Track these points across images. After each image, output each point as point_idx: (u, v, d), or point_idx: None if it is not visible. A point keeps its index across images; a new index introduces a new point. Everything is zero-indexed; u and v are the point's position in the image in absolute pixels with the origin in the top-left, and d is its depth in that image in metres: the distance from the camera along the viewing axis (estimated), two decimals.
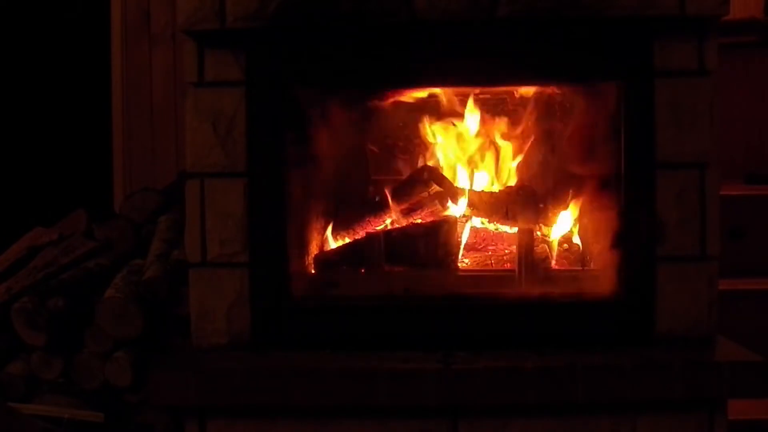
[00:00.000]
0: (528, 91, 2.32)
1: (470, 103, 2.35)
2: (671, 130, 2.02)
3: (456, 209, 2.33)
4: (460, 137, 2.40)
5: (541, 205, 2.29)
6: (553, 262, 2.25)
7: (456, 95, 2.34)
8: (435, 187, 2.35)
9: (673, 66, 2.02)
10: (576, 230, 2.29)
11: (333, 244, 2.33)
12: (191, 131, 2.07)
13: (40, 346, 2.33)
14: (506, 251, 2.31)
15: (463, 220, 2.32)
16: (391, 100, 2.38)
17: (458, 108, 2.36)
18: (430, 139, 2.42)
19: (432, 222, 2.30)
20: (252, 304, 2.06)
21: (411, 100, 2.38)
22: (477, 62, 2.06)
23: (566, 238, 2.29)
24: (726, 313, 2.08)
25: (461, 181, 2.39)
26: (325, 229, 2.33)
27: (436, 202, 2.36)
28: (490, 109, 2.40)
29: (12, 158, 3.58)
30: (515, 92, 2.35)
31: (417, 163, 2.44)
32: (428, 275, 2.19)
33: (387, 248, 2.21)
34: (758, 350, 1.95)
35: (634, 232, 2.03)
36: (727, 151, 2.70)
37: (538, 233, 2.28)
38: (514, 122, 2.38)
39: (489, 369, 1.89)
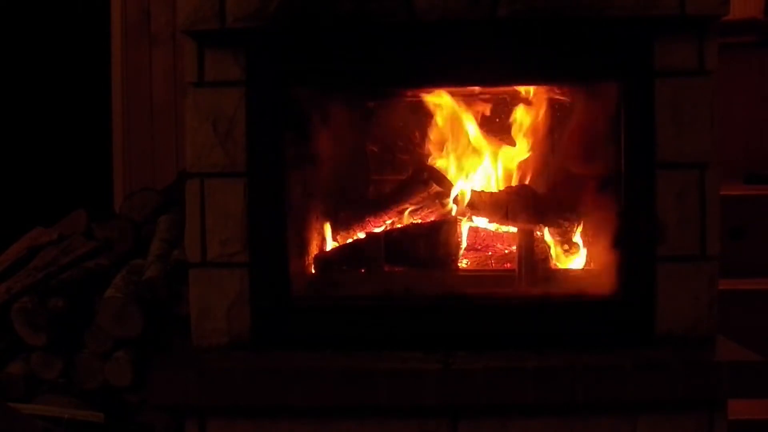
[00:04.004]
0: (528, 91, 2.32)
1: (470, 103, 2.35)
2: (671, 130, 2.02)
3: (456, 209, 2.33)
4: (460, 137, 2.40)
5: (541, 205, 2.29)
6: (553, 262, 2.25)
7: (456, 95, 2.34)
8: (435, 187, 2.35)
9: (673, 66, 2.02)
10: (576, 230, 2.29)
11: (333, 244, 2.33)
12: (191, 131, 2.07)
13: (40, 346, 2.34)
14: (506, 251, 2.31)
15: (464, 220, 2.32)
16: (391, 100, 2.38)
17: (458, 108, 2.36)
18: (431, 138, 2.42)
19: (432, 222, 2.30)
20: (252, 304, 2.06)
21: (411, 100, 2.38)
22: (477, 62, 2.06)
23: (566, 238, 2.29)
24: (726, 313, 2.08)
25: (461, 181, 2.39)
26: (325, 229, 2.33)
27: (436, 202, 2.36)
28: (490, 109, 2.40)
29: (12, 158, 3.58)
30: (515, 92, 2.35)
31: (417, 162, 2.44)
32: (428, 275, 2.19)
33: (387, 248, 2.21)
34: (758, 350, 1.95)
35: (634, 232, 2.03)
36: (727, 151, 2.70)
37: (538, 233, 2.28)
38: (514, 122, 2.38)
39: (489, 369, 1.89)
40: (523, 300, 2.10)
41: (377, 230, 2.33)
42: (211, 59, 2.06)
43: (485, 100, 2.38)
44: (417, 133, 2.43)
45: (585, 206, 2.22)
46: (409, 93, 2.34)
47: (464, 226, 2.32)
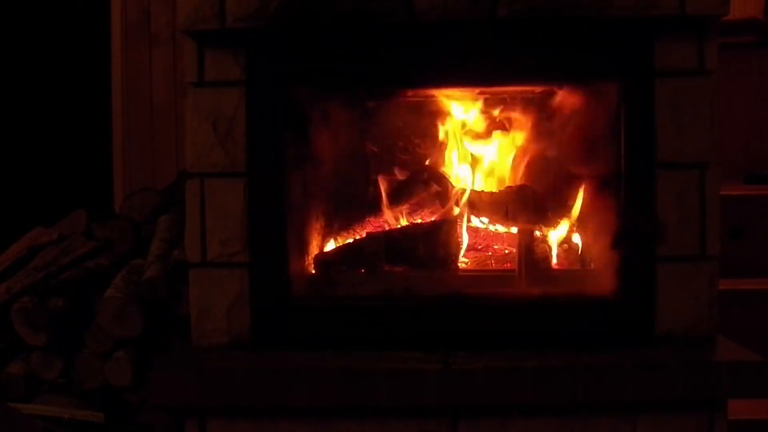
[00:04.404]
0: (529, 91, 2.32)
1: (470, 103, 2.35)
2: (671, 130, 2.02)
3: (456, 209, 2.33)
4: (460, 137, 2.40)
5: (541, 205, 2.29)
6: (553, 262, 2.25)
7: (456, 95, 2.34)
8: (435, 187, 2.35)
9: (673, 66, 2.02)
10: (576, 230, 2.29)
11: (333, 244, 2.33)
12: (191, 131, 2.07)
13: (40, 346, 2.34)
14: (506, 251, 2.30)
15: (464, 220, 2.32)
16: (391, 100, 2.38)
17: (458, 108, 2.37)
18: (430, 138, 2.42)
19: (432, 222, 2.30)
20: (252, 304, 2.06)
21: (411, 100, 2.38)
22: (477, 62, 2.06)
23: (566, 238, 2.29)
24: (726, 313, 2.08)
25: (461, 181, 2.39)
26: (325, 229, 2.33)
27: (436, 202, 2.36)
28: (490, 109, 2.40)
29: (12, 158, 3.58)
30: (516, 92, 2.35)
31: (417, 163, 2.44)
32: (428, 275, 2.18)
33: (387, 248, 2.21)
34: (758, 350, 1.95)
35: (634, 232, 2.03)
36: (727, 151, 2.70)
37: (538, 233, 2.28)
38: (514, 122, 2.38)
39: (489, 369, 1.89)
40: (523, 300, 2.10)
41: (377, 230, 2.33)
42: (211, 59, 2.06)
43: (485, 100, 2.38)
44: (417, 133, 2.43)
45: (585, 206, 2.22)
46: (409, 93, 2.34)
47: (464, 226, 2.32)
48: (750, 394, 1.93)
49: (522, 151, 2.39)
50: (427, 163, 2.42)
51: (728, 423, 1.94)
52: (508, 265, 2.26)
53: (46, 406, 2.24)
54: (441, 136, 2.41)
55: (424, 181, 2.36)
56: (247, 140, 2.06)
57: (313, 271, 2.23)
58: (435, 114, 2.38)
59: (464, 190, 2.35)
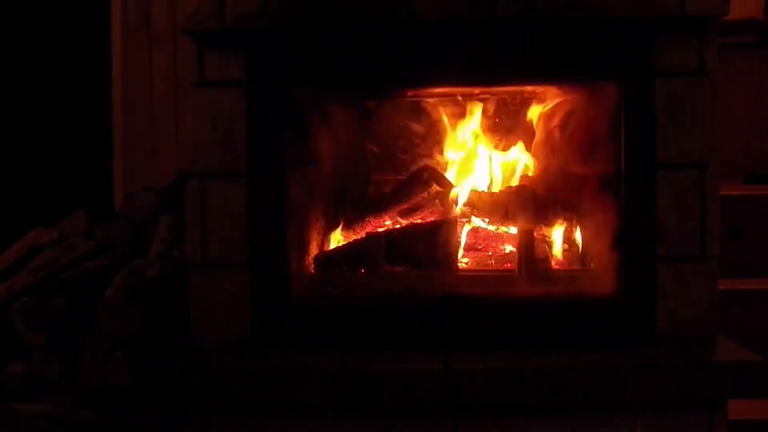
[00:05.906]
0: (529, 91, 2.33)
1: (470, 103, 2.35)
2: (671, 130, 2.02)
3: (456, 209, 2.33)
4: (460, 137, 2.40)
5: (541, 205, 2.29)
6: (553, 262, 2.25)
7: (456, 95, 2.35)
8: (435, 187, 2.35)
9: (673, 66, 2.02)
10: (576, 230, 2.29)
11: (333, 244, 2.33)
12: (191, 131, 2.07)
13: (40, 346, 2.33)
14: (506, 251, 2.31)
15: (464, 220, 2.32)
16: (391, 100, 2.38)
17: (458, 108, 2.37)
18: (430, 138, 2.42)
19: (432, 222, 2.30)
20: (252, 304, 2.06)
21: (411, 100, 2.38)
22: (477, 62, 2.06)
23: (566, 238, 2.29)
24: (726, 313, 2.08)
25: (461, 181, 2.40)
26: (325, 229, 2.33)
27: (436, 202, 2.36)
28: (489, 109, 2.40)
29: (12, 158, 3.58)
30: (515, 92, 2.35)
31: (417, 163, 2.44)
32: (428, 275, 2.19)
33: (387, 248, 2.21)
34: (758, 350, 1.95)
35: (634, 232, 2.03)
36: (727, 151, 2.70)
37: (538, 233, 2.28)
38: (514, 122, 2.38)
39: (489, 369, 1.89)
40: (523, 300, 2.10)
41: (378, 230, 2.33)
42: (211, 59, 2.06)
43: (485, 100, 2.38)
44: (417, 133, 2.43)
45: (585, 206, 2.22)
46: (409, 93, 2.34)
47: (464, 226, 2.32)
48: (750, 394, 1.93)
49: (522, 151, 2.39)
50: (427, 163, 2.42)
51: (728, 423, 1.94)
52: (508, 265, 2.26)
53: (46, 406, 2.24)
54: (441, 136, 2.41)
55: (424, 181, 2.36)
56: (247, 140, 2.06)
57: (313, 271, 2.23)
58: (435, 114, 2.39)
59: (464, 190, 2.35)
